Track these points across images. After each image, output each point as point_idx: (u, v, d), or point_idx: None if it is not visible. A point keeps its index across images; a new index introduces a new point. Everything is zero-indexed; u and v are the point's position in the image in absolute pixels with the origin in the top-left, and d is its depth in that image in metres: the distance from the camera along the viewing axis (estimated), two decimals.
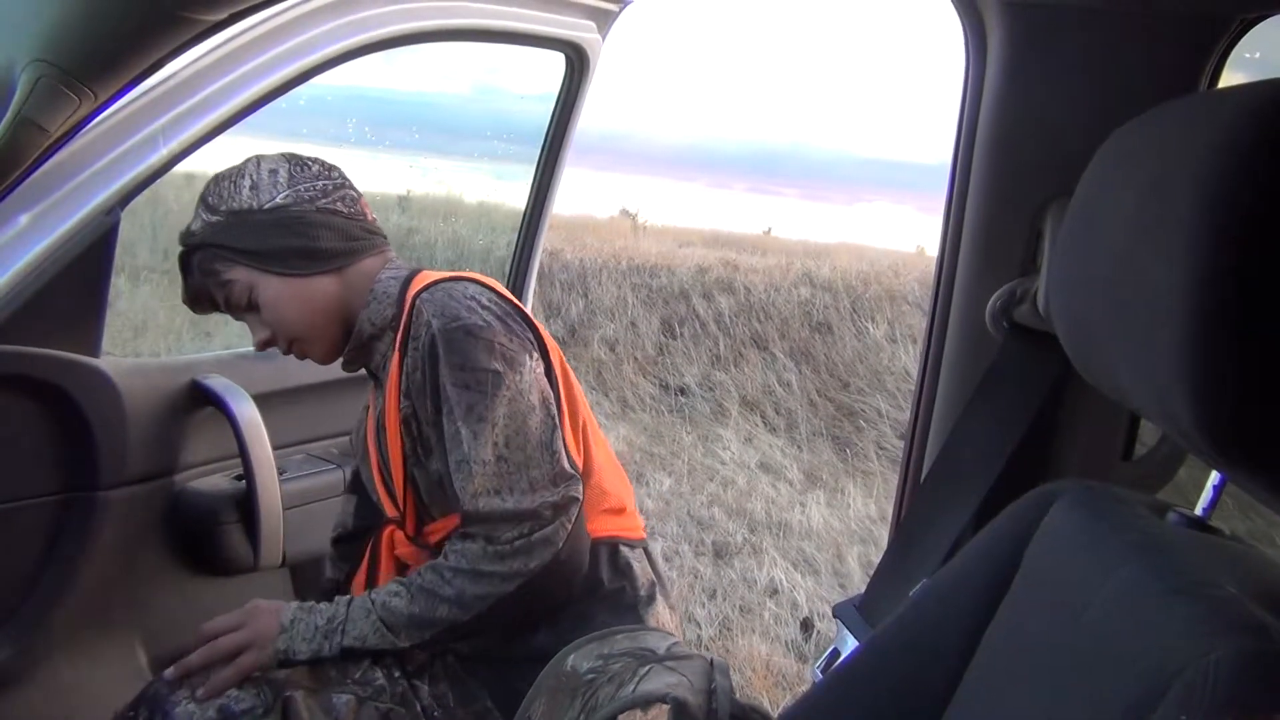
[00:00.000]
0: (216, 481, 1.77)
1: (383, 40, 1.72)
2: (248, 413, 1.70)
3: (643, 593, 1.46)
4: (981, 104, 1.26)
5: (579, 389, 1.50)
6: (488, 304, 1.37)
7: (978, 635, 0.87)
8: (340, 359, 1.50)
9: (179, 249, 1.45)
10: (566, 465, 1.35)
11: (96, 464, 1.57)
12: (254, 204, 1.40)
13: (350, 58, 1.70)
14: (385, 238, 1.51)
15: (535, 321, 1.43)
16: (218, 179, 1.43)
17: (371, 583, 1.48)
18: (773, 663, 3.19)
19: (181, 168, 1.60)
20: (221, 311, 1.48)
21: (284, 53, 1.60)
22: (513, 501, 1.30)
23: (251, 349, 1.91)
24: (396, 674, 1.35)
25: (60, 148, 1.23)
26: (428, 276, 1.45)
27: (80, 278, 1.49)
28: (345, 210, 1.44)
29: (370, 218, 1.49)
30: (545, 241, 2.35)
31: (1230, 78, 1.17)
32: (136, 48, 1.05)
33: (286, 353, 1.48)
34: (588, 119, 2.22)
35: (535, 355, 1.38)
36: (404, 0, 1.73)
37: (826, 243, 9.39)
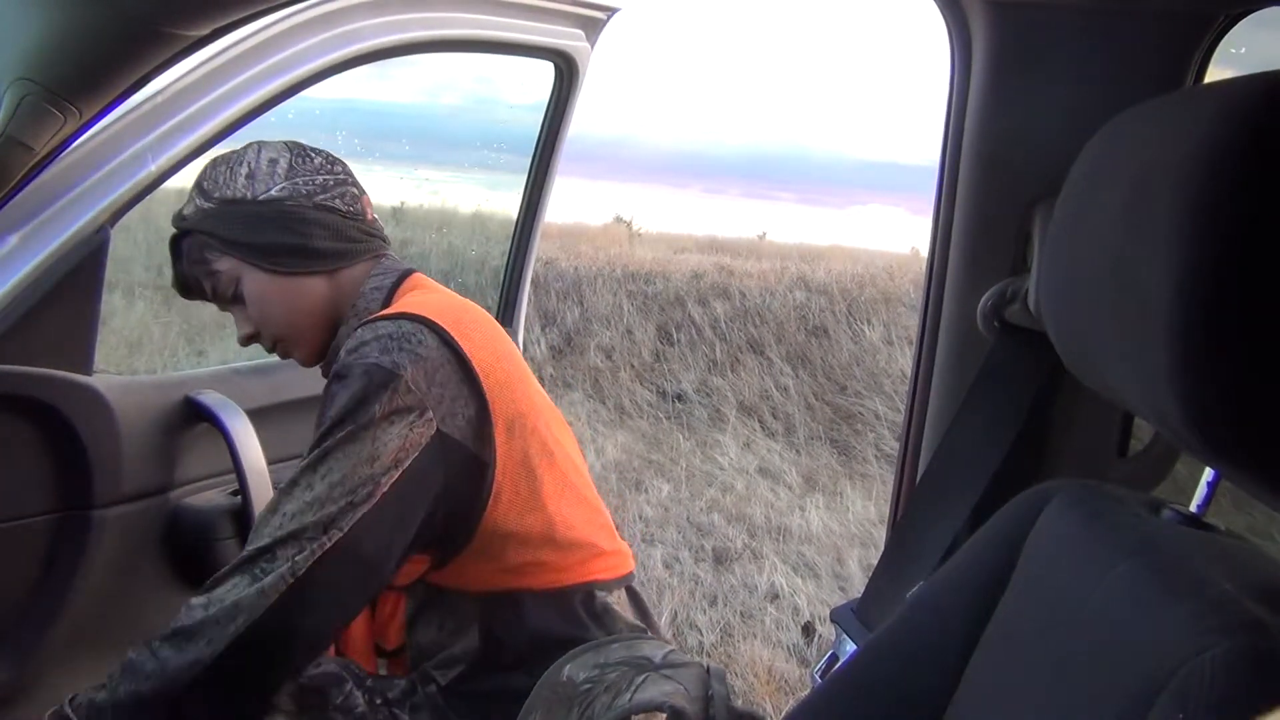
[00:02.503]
0: (212, 497, 1.77)
1: (371, 52, 1.72)
2: (242, 428, 1.70)
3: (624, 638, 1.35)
4: (968, 105, 1.26)
5: (545, 434, 1.35)
6: (410, 346, 1.23)
7: (975, 636, 0.87)
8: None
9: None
10: (336, 524, 1.18)
11: (91, 482, 1.56)
12: (248, 194, 1.34)
13: (339, 70, 1.70)
14: (384, 240, 1.45)
15: (482, 366, 1.28)
16: (215, 163, 1.38)
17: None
18: (775, 668, 3.19)
19: (173, 183, 1.60)
20: (210, 300, 1.43)
21: (272, 66, 1.60)
22: (267, 524, 1.19)
23: (246, 364, 1.92)
24: (378, 701, 1.32)
25: (47, 166, 1.23)
26: (415, 284, 1.40)
27: (72, 296, 1.49)
28: (344, 209, 1.38)
29: (370, 218, 1.43)
30: (540, 250, 2.35)
31: (1216, 73, 1.17)
32: (121, 64, 1.05)
33: (270, 350, 1.43)
34: (582, 127, 2.23)
35: (429, 415, 1.22)
36: (392, 12, 1.74)
37: (821, 246, 9.40)
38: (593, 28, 2.09)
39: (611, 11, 2.08)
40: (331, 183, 1.38)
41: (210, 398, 1.72)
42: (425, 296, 1.37)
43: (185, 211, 1.38)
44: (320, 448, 1.21)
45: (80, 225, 1.45)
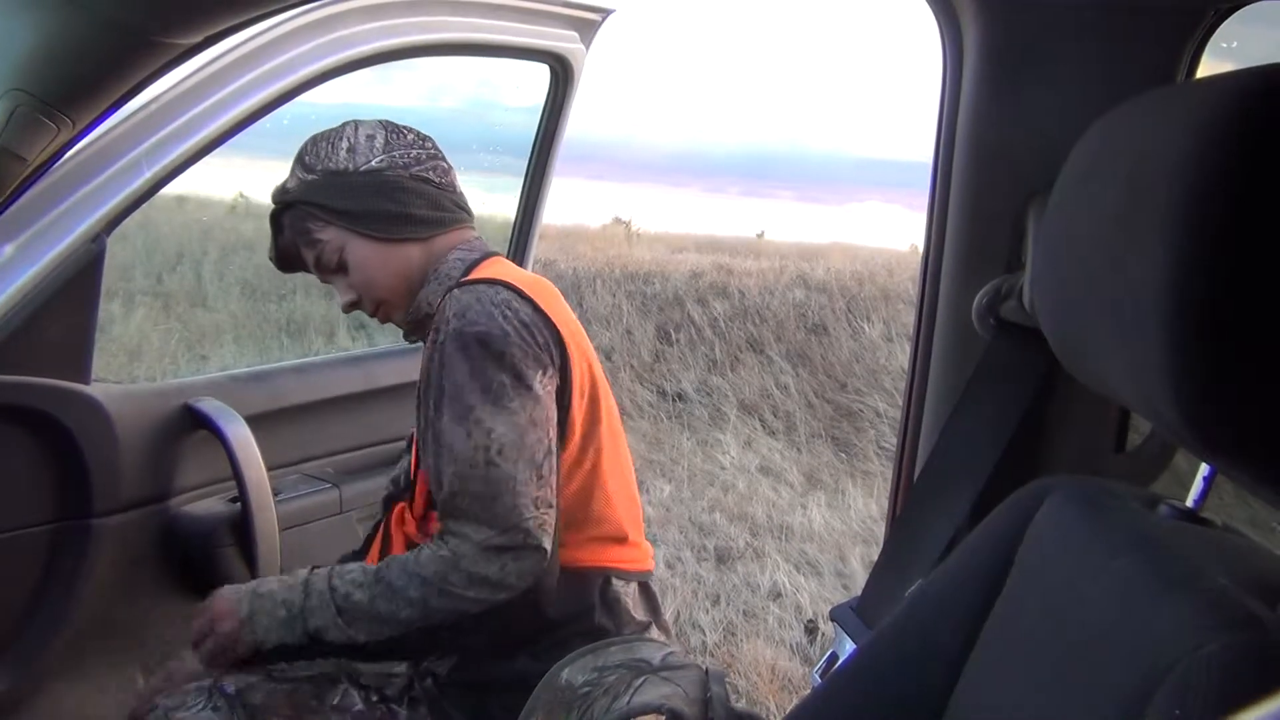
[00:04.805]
0: (211, 505, 1.77)
1: (364, 58, 1.73)
2: (241, 435, 1.70)
3: (628, 629, 1.41)
4: (960, 102, 1.26)
5: (607, 408, 1.46)
6: (511, 313, 1.33)
7: (974, 633, 0.87)
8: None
9: (272, 207, 1.48)
10: (549, 493, 1.32)
11: (90, 491, 1.56)
12: (350, 165, 1.42)
13: (334, 76, 1.71)
14: (471, 214, 1.53)
15: (567, 336, 1.38)
16: (315, 139, 1.46)
17: (385, 553, 1.47)
18: (778, 667, 3.18)
19: (171, 190, 1.61)
20: (309, 271, 1.50)
21: (266, 73, 1.60)
22: (493, 509, 1.28)
23: (244, 371, 1.93)
24: (375, 699, 1.34)
25: (41, 176, 1.23)
26: (493, 265, 1.45)
27: (68, 305, 1.49)
28: (437, 180, 1.46)
29: (459, 190, 1.51)
30: (539, 252, 2.35)
31: (1208, 68, 1.17)
32: (113, 74, 1.05)
33: (371, 315, 1.50)
34: (580, 128, 2.22)
35: (551, 372, 1.34)
36: (387, 17, 1.74)
37: (820, 244, 9.38)
38: (587, 29, 2.09)
39: (606, 13, 2.09)
40: (424, 156, 1.46)
41: (209, 405, 1.72)
42: (508, 269, 1.45)
43: (288, 185, 1.46)
44: (475, 418, 1.29)
45: (76, 235, 1.45)
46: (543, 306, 1.36)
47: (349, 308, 1.49)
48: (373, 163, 1.42)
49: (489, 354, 1.30)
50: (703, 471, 5.15)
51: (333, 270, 1.46)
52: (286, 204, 1.45)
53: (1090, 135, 0.73)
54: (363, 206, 1.41)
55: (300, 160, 1.45)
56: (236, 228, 6.21)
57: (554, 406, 1.35)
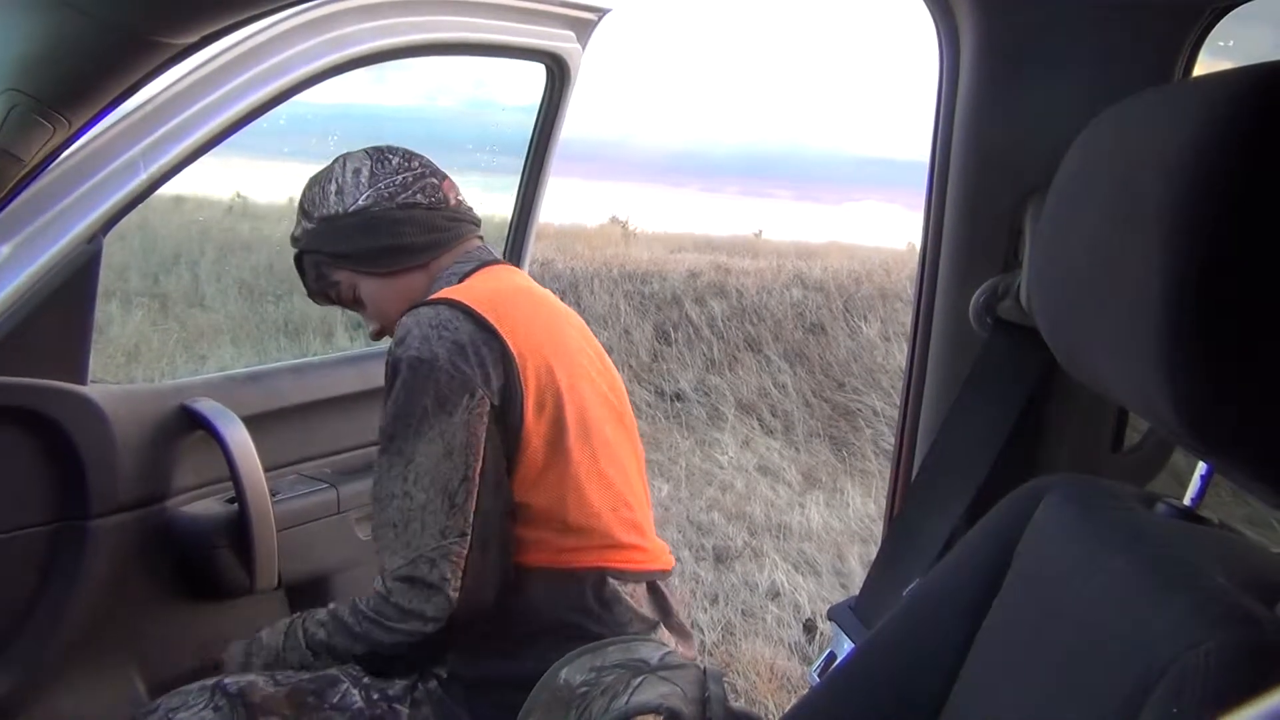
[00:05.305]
0: (209, 505, 1.76)
1: (361, 57, 1.72)
2: (238, 435, 1.70)
3: (632, 629, 1.38)
4: (957, 101, 1.25)
5: (577, 418, 1.40)
6: (448, 333, 1.32)
7: (972, 632, 0.87)
8: None
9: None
10: (461, 521, 1.32)
11: (87, 492, 1.56)
12: (340, 209, 1.46)
13: (330, 75, 1.70)
14: (473, 222, 1.54)
15: (523, 350, 1.36)
16: (310, 183, 1.51)
17: None
18: (777, 666, 3.18)
19: (168, 190, 1.60)
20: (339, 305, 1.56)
21: (263, 72, 1.60)
22: (404, 537, 1.32)
23: (242, 371, 1.93)
24: (375, 697, 1.34)
25: (37, 177, 1.23)
26: (482, 276, 1.46)
27: (65, 306, 1.49)
28: (426, 201, 1.48)
29: (453, 202, 1.52)
30: (537, 251, 2.35)
31: (1204, 67, 1.17)
32: (109, 74, 1.05)
33: None
34: (579, 128, 2.22)
35: (480, 394, 1.32)
36: (383, 17, 1.74)
37: (817, 243, 9.38)
38: (583, 29, 2.09)
39: (602, 13, 2.09)
40: (411, 179, 1.48)
41: (206, 405, 1.71)
42: (482, 283, 1.46)
43: (295, 234, 1.51)
44: (396, 448, 1.33)
45: (72, 235, 1.45)
46: (494, 321, 1.35)
47: (376, 335, 1.55)
48: (359, 201, 1.45)
49: (416, 378, 1.31)
50: (701, 471, 5.15)
51: (352, 304, 1.52)
52: (300, 252, 1.51)
53: (1087, 134, 0.73)
54: (358, 248, 1.46)
55: (301, 208, 1.50)
56: (234, 228, 6.21)
57: (482, 429, 1.33)
